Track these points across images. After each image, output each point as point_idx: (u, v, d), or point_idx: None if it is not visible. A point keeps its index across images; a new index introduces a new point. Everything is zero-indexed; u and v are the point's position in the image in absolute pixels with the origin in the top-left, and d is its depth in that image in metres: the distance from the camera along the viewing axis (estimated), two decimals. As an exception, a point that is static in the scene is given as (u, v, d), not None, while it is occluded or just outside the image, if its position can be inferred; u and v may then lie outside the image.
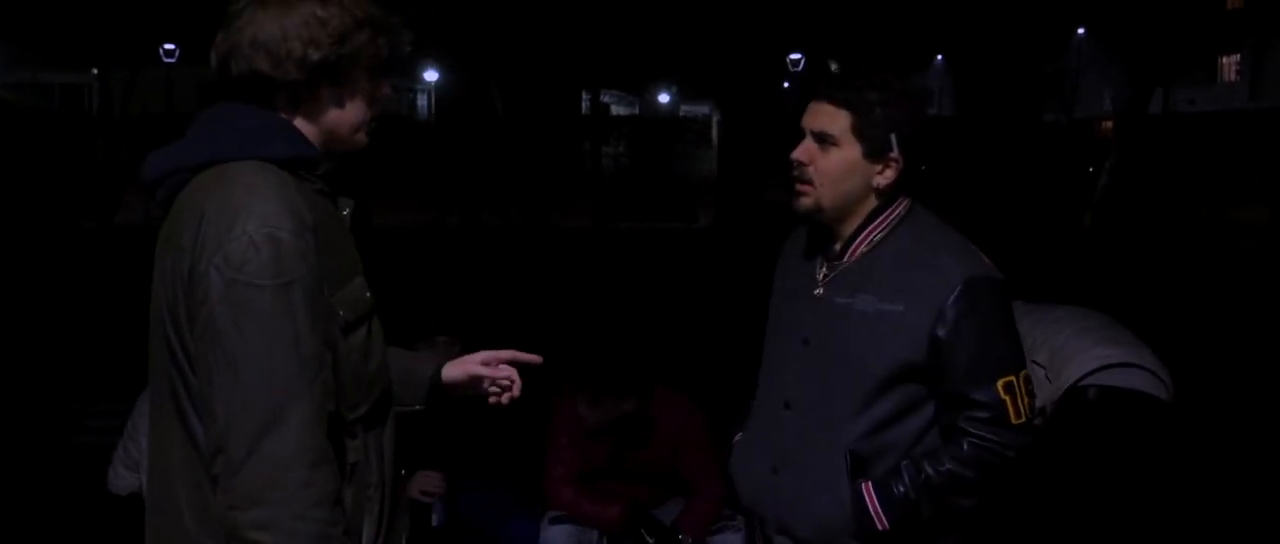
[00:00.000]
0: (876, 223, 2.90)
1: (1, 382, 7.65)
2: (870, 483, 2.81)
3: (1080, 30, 36.64)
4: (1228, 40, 40.99)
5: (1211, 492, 6.05)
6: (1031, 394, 2.84)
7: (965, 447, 2.78)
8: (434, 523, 4.88)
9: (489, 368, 2.70)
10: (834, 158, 2.86)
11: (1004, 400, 2.77)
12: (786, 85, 36.45)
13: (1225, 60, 47.23)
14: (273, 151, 2.18)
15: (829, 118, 2.87)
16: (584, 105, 40.40)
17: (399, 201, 26.32)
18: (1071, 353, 4.45)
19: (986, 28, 23.69)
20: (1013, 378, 2.79)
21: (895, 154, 2.86)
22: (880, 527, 2.81)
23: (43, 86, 42.41)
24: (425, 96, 52.74)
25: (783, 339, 3.03)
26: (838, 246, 2.94)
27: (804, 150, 2.90)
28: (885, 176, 2.87)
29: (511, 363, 2.73)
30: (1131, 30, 26.83)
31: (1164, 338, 4.80)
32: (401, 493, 4.55)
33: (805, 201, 2.91)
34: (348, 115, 2.30)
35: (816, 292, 2.94)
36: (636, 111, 54.26)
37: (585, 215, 27.29)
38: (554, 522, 4.91)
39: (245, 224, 2.07)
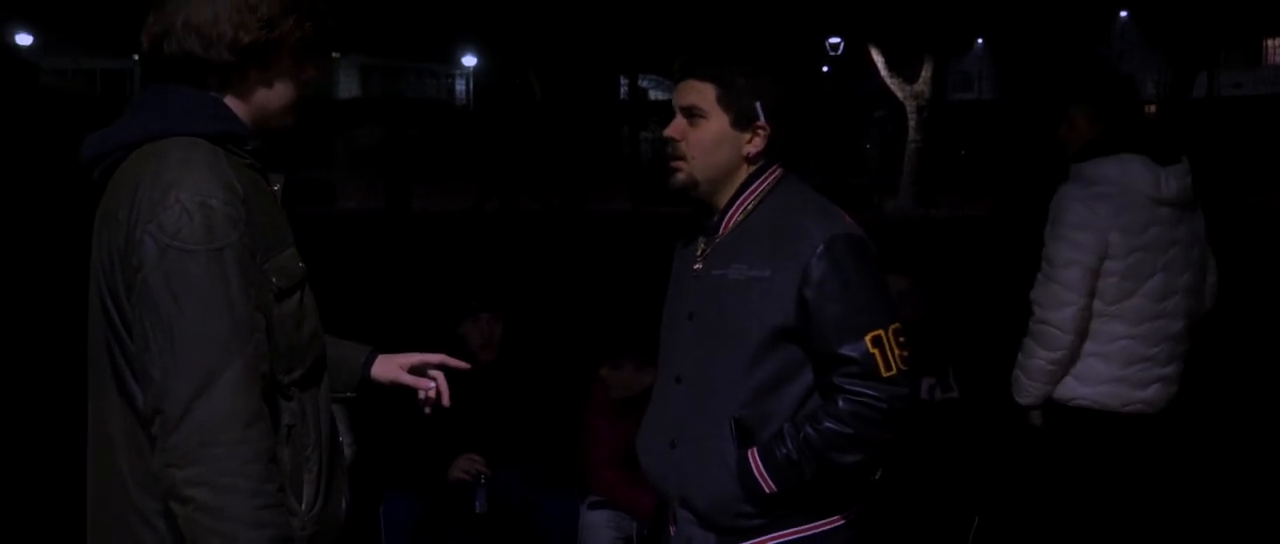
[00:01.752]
0: (747, 193, 2.97)
1: (41, 360, 7.72)
2: (756, 449, 2.85)
3: (1123, 14, 36.33)
4: (1272, 22, 40.53)
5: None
6: (903, 346, 2.85)
7: (840, 403, 2.80)
8: (476, 509, 4.90)
9: (414, 377, 2.87)
10: (703, 130, 2.94)
11: (873, 354, 2.79)
12: (826, 69, 36.31)
13: (1270, 42, 46.72)
14: (205, 128, 2.26)
15: (696, 93, 2.95)
16: (622, 90, 40.39)
17: (438, 187, 26.40)
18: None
19: (1028, 11, 23.50)
20: (881, 332, 2.81)
21: (762, 122, 2.92)
22: (767, 490, 2.84)
23: (85, 72, 42.71)
24: (464, 82, 52.83)
25: (672, 317, 3.10)
26: (714, 220, 3.00)
27: (675, 127, 2.97)
28: (754, 145, 2.93)
29: (441, 367, 2.89)
30: (1174, 13, 26.58)
31: (1213, 327, 4.72)
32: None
33: (679, 177, 2.97)
34: (275, 95, 2.38)
35: (696, 266, 3.01)
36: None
37: (623, 199, 27.25)
38: (593, 506, 4.91)
39: (178, 193, 2.15)
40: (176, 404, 2.12)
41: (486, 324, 5.17)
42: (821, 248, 2.81)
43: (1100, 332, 4.26)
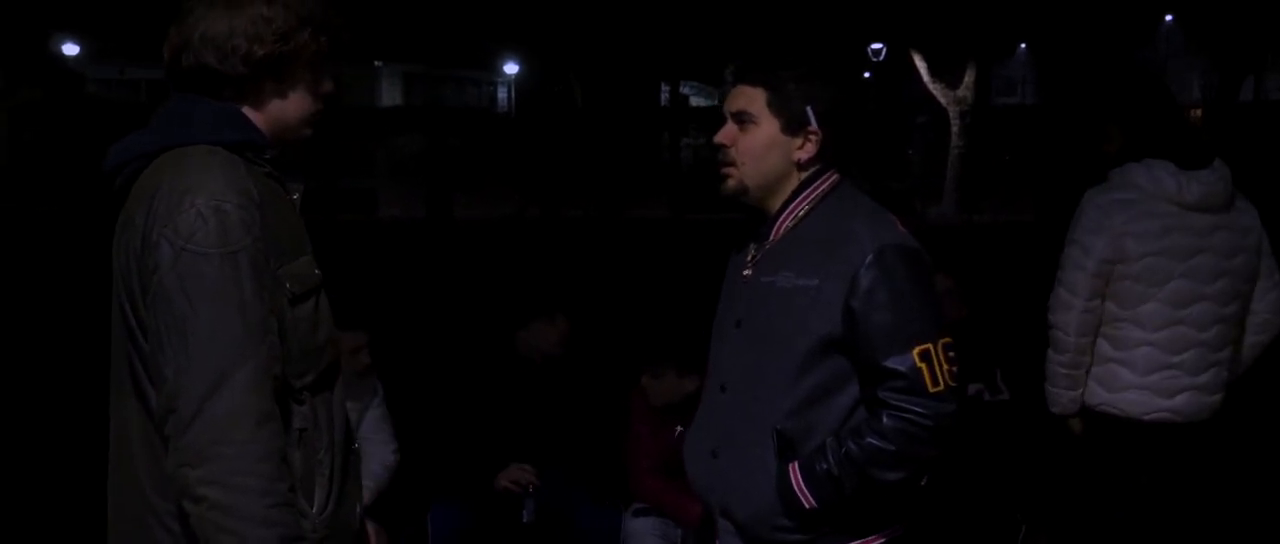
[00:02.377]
0: (799, 199, 2.91)
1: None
2: (797, 463, 2.79)
3: (1168, 18, 36.06)
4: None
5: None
6: (952, 361, 2.78)
7: (884, 418, 2.74)
8: (524, 519, 4.88)
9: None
10: (753, 135, 2.89)
11: (919, 368, 2.72)
12: (867, 75, 36.19)
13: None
14: (223, 136, 2.32)
15: (746, 98, 2.91)
16: (663, 97, 40.37)
17: (480, 194, 26.46)
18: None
19: (1072, 16, 23.36)
20: (929, 345, 2.74)
21: (814, 127, 2.87)
22: (806, 506, 2.78)
23: (129, 82, 43.03)
24: (505, 90, 52.95)
25: (721, 325, 3.05)
26: (765, 226, 2.96)
27: (725, 133, 2.93)
28: (805, 150, 2.88)
29: None
30: (1220, 17, 26.36)
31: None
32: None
33: (730, 183, 2.93)
34: (291, 107, 2.42)
35: (745, 272, 2.97)
36: (715, 103, 54.06)
37: (664, 207, 27.23)
38: (638, 513, 4.90)
39: (194, 198, 2.20)
40: (189, 403, 2.16)
41: (559, 325, 5.20)
42: (871, 256, 2.74)
43: (1119, 336, 4.26)
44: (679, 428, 4.83)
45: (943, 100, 29.05)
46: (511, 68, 47.46)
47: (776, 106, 2.87)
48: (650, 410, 4.94)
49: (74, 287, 11.17)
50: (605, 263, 16.50)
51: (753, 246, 2.99)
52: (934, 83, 28.77)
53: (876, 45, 33.31)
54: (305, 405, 2.35)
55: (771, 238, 2.93)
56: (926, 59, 28.37)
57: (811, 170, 2.91)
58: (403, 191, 26.92)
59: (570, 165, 28.87)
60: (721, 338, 3.03)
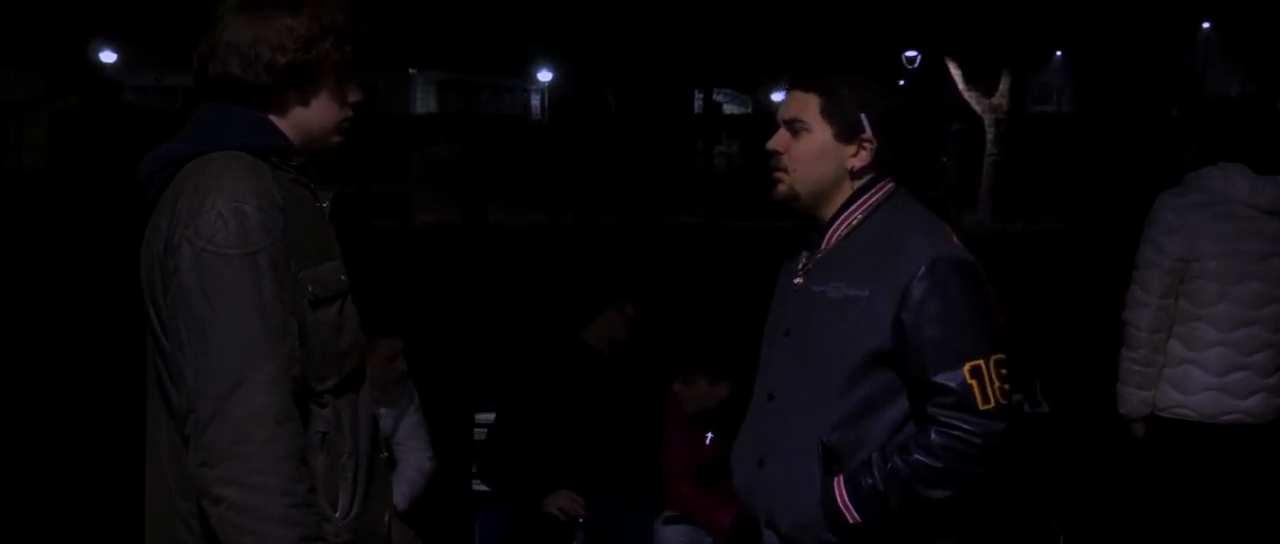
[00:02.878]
0: (853, 207, 2.89)
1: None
2: (842, 477, 2.76)
3: (1205, 25, 35.83)
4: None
5: None
6: (1004, 378, 2.75)
7: (932, 435, 2.71)
8: None
9: None
10: (805, 142, 2.87)
11: (970, 385, 2.69)
12: (902, 83, 36.05)
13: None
14: (248, 142, 2.35)
15: (799, 104, 2.89)
16: (696, 104, 40.34)
17: (513, 201, 26.49)
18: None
19: (1108, 22, 23.25)
20: (981, 362, 2.71)
21: (868, 135, 2.85)
22: (851, 521, 2.75)
23: (166, 89, 43.30)
24: (539, 97, 53.02)
25: (771, 333, 3.03)
26: (817, 234, 2.93)
27: (777, 140, 2.91)
28: (859, 158, 2.87)
29: None
30: (1257, 24, 26.17)
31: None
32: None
33: (781, 189, 2.91)
34: (316, 115, 2.44)
35: (796, 281, 2.94)
36: (749, 110, 54.25)
37: (697, 214, 27.20)
38: (669, 521, 4.90)
39: (214, 200, 2.23)
40: (209, 403, 2.17)
41: (629, 309, 5.23)
42: (923, 268, 2.71)
43: (1193, 336, 4.29)
44: (710, 435, 4.84)
45: (977, 108, 28.93)
46: (545, 75, 47.51)
47: (830, 113, 2.85)
48: (682, 417, 4.94)
49: (113, 291, 11.26)
50: (641, 269, 16.51)
51: (804, 255, 2.96)
52: (969, 90, 28.66)
53: (911, 52, 33.21)
54: (328, 408, 2.36)
55: (823, 247, 2.90)
56: (961, 66, 28.27)
57: (865, 179, 2.88)
58: (437, 198, 26.98)
59: (604, 172, 28.87)
60: (771, 346, 3.01)
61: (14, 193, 26.21)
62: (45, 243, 19.03)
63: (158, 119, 30.50)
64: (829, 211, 2.91)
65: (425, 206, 26.88)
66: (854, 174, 2.88)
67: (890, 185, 2.91)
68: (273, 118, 2.40)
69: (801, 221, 2.99)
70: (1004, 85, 28.41)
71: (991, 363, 2.73)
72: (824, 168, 2.87)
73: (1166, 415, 4.37)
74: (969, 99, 28.99)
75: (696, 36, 28.65)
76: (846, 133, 2.85)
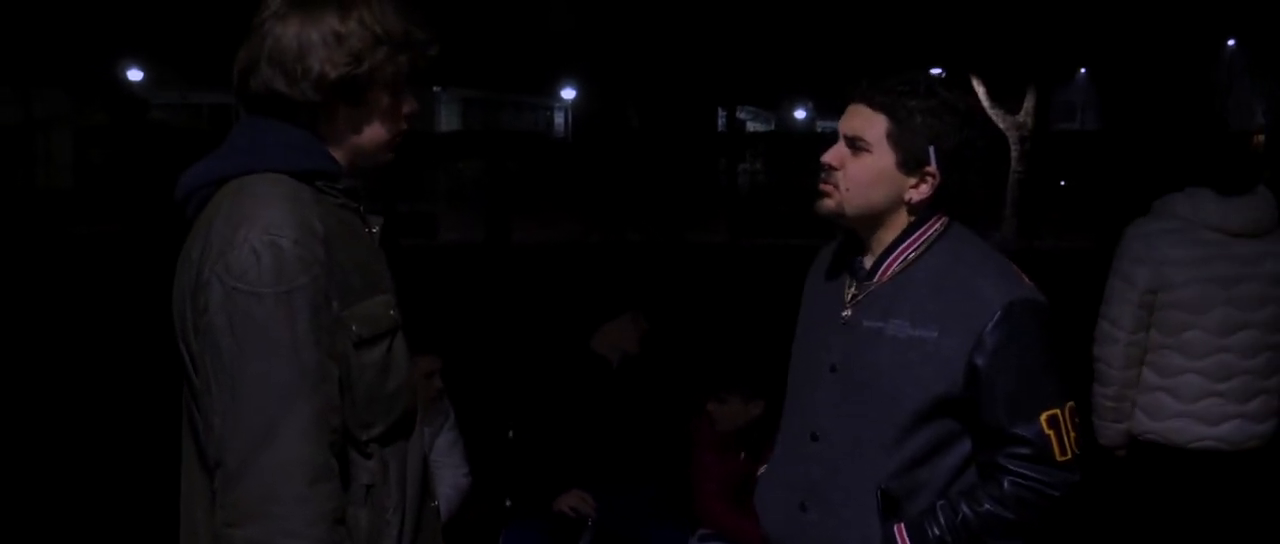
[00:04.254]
0: (910, 241, 2.72)
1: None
2: (903, 524, 2.63)
3: (1230, 42, 35.68)
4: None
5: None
6: (1077, 428, 2.64)
7: (1006, 486, 2.59)
8: None
9: None
10: (865, 163, 2.69)
11: (1048, 435, 2.58)
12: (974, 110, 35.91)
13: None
14: (291, 164, 2.14)
15: (865, 121, 2.69)
16: (720, 122, 40.36)
17: (538, 218, 26.53)
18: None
19: (1133, 39, 23.17)
20: (1058, 411, 2.61)
21: (932, 168, 2.67)
22: None
23: (192, 107, 43.47)
24: (562, 114, 53.12)
25: (809, 365, 2.85)
26: (868, 265, 2.76)
27: (834, 154, 2.72)
28: (920, 191, 2.69)
29: None
30: (1284, 40, 26.07)
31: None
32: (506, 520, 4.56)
33: (827, 203, 2.73)
34: (368, 132, 2.23)
35: (845, 314, 2.76)
36: (772, 128, 54.17)
37: (722, 231, 27.21)
38: (703, 539, 4.91)
39: (247, 232, 2.03)
40: (236, 456, 1.98)
41: (631, 322, 5.22)
42: (1000, 313, 2.58)
43: (1163, 364, 4.26)
44: (743, 453, 4.85)
45: (1002, 125, 28.88)
46: (568, 93, 47.61)
47: (897, 139, 2.67)
48: (715, 436, 4.95)
49: (141, 310, 11.32)
50: (667, 287, 16.53)
51: (851, 284, 2.78)
52: (993, 108, 28.60)
53: (935, 69, 33.17)
54: (373, 459, 2.15)
55: (876, 279, 2.73)
56: (985, 83, 28.22)
57: (922, 212, 2.71)
58: (462, 216, 27.05)
59: (628, 190, 28.90)
60: (811, 382, 2.82)
61: (40, 210, 26.37)
62: (74, 261, 19.14)
63: (183, 136, 30.66)
64: (881, 239, 2.74)
65: (451, 224, 26.95)
66: (911, 207, 2.71)
67: (945, 219, 2.76)
68: (320, 135, 2.19)
69: (846, 242, 2.84)
70: (1028, 102, 28.35)
71: (1067, 411, 2.64)
72: (879, 194, 2.69)
73: (1143, 439, 4.36)
74: (994, 116, 28.92)
75: (720, 54, 28.67)
76: (910, 162, 2.67)
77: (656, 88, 29.50)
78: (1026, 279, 2.71)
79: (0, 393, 9.19)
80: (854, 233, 2.80)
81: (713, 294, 15.21)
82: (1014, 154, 28.63)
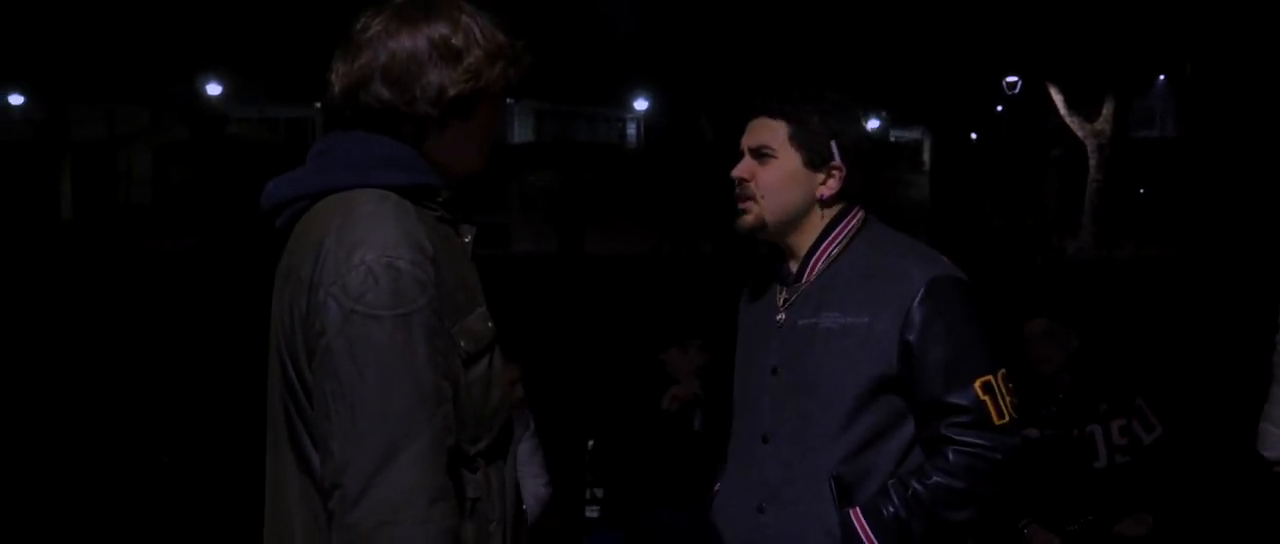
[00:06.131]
0: (831, 237, 2.81)
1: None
2: (859, 508, 2.68)
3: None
4: None
5: None
6: (1012, 392, 2.69)
7: (951, 455, 2.64)
8: (696, 426, 4.95)
9: None
10: (772, 169, 2.79)
11: (984, 401, 2.64)
12: (1000, 109, 35.75)
13: None
14: (396, 179, 2.11)
15: (766, 130, 2.82)
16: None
17: (610, 229, 26.64)
18: None
19: (1214, 48, 22.86)
20: (991, 377, 2.66)
21: (837, 162, 2.78)
22: None
23: (269, 120, 44.04)
24: (635, 126, 53.28)
25: (751, 371, 2.91)
26: (794, 269, 2.84)
27: (743, 167, 2.83)
28: (829, 187, 2.80)
29: None
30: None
31: None
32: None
33: (747, 219, 2.82)
34: (473, 145, 2.22)
35: (779, 317, 2.84)
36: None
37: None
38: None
39: (364, 254, 2.00)
40: (356, 480, 1.96)
41: (696, 351, 5.20)
42: (923, 289, 2.66)
43: None
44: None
45: (1080, 133, 28.62)
46: (641, 104, 47.75)
47: (798, 140, 2.79)
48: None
49: (222, 324, 11.45)
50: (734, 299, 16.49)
51: (780, 289, 2.88)
52: (1071, 116, 28.36)
53: (1012, 78, 32.92)
54: (478, 474, 2.14)
55: (805, 279, 2.83)
56: (1063, 91, 27.98)
57: (836, 208, 2.82)
58: (535, 227, 27.22)
59: (700, 201, 28.93)
60: (755, 387, 2.89)
61: (121, 225, 26.80)
62: (154, 277, 19.42)
63: (260, 151, 31.09)
64: (801, 242, 2.84)
65: (524, 235, 27.14)
66: (824, 202, 2.82)
67: (861, 212, 2.86)
68: (423, 149, 2.16)
69: (771, 254, 2.92)
70: (1107, 110, 28.10)
71: (1000, 377, 2.69)
72: (792, 195, 2.80)
73: None
74: (1071, 124, 28.67)
75: (792, 64, 28.65)
76: (815, 160, 2.79)
77: (729, 98, 29.53)
78: (945, 260, 2.80)
79: (87, 404, 9.33)
80: (776, 245, 2.90)
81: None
82: (1092, 162, 28.38)
